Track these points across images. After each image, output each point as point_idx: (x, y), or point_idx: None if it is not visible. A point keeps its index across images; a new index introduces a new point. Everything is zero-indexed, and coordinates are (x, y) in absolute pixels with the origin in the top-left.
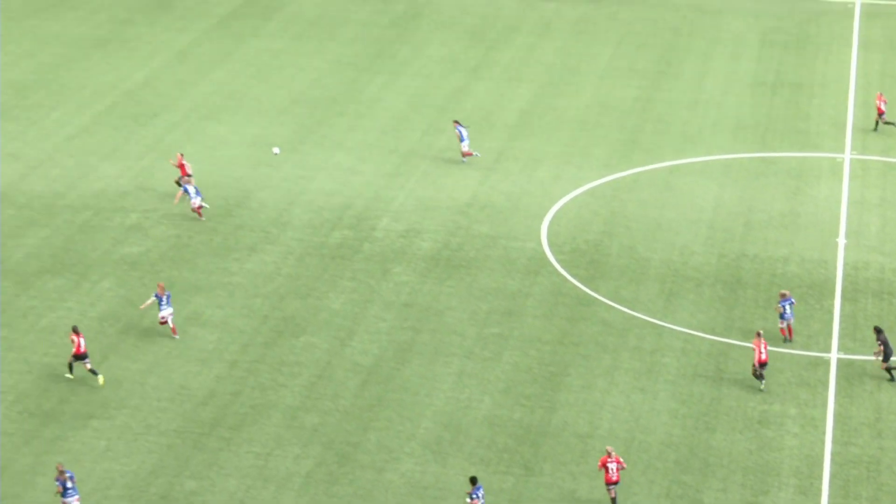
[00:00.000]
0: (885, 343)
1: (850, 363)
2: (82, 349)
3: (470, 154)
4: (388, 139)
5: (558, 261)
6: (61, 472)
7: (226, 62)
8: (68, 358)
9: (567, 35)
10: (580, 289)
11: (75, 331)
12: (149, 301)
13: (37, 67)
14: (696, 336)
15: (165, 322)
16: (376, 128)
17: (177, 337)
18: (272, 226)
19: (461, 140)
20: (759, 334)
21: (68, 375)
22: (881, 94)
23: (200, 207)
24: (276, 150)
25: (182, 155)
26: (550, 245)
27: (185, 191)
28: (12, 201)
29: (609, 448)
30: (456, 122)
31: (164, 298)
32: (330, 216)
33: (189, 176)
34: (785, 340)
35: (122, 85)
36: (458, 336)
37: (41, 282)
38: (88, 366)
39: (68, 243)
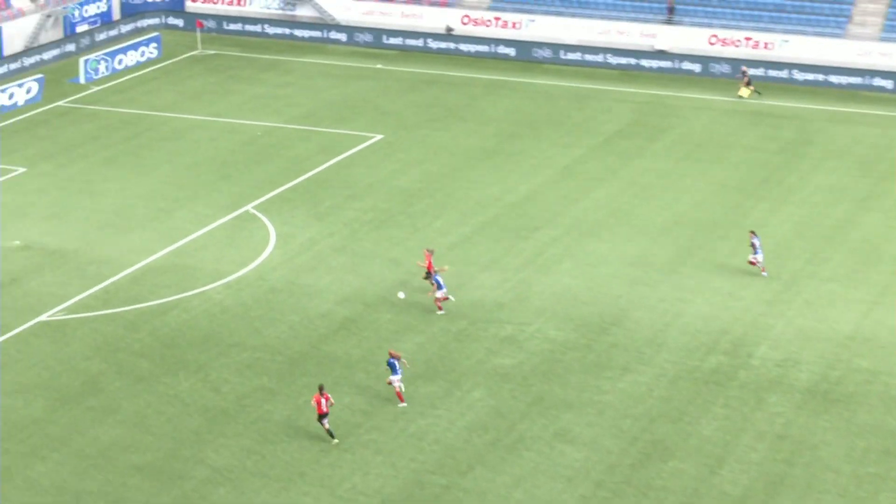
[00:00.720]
0: None
1: None
2: (324, 409)
3: (754, 264)
4: (770, 265)
5: None
6: None
7: (609, 180)
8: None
9: None
10: None
11: (321, 390)
12: (387, 369)
13: (424, 176)
14: None
15: (391, 384)
16: None
17: (403, 404)
18: (647, 346)
19: (755, 252)
20: None
21: (331, 440)
22: None
23: (445, 299)
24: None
25: (430, 252)
26: None
27: (436, 282)
28: (391, 306)
29: None
30: (752, 232)
31: (397, 365)
32: (706, 340)
33: (435, 270)
34: None
35: (506, 197)
36: (832, 472)
37: (413, 387)
38: (326, 426)
39: (442, 351)
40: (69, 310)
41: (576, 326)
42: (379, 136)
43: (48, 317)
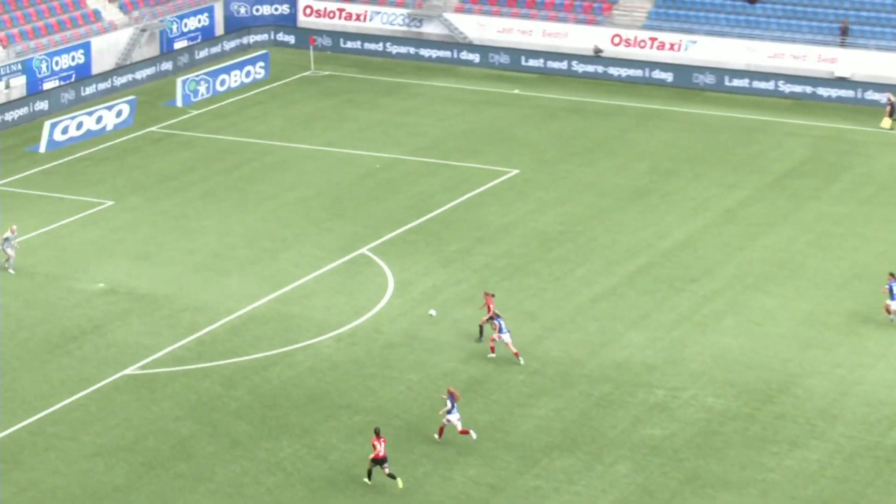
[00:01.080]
0: None
1: None
2: (381, 454)
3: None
4: None
5: None
6: None
7: (779, 226)
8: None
9: None
10: None
11: (377, 434)
12: (447, 407)
13: (565, 218)
14: None
15: (449, 424)
16: None
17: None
18: (819, 418)
19: (892, 297)
20: None
21: (366, 481)
22: None
23: (497, 341)
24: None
25: (491, 296)
26: None
27: (499, 324)
28: (525, 366)
29: None
30: (892, 275)
31: (456, 405)
32: (888, 412)
33: (497, 315)
34: None
35: (659, 244)
36: None
37: (548, 459)
38: (387, 470)
39: (583, 418)
40: (158, 362)
41: (737, 393)
42: (514, 172)
43: (134, 370)
